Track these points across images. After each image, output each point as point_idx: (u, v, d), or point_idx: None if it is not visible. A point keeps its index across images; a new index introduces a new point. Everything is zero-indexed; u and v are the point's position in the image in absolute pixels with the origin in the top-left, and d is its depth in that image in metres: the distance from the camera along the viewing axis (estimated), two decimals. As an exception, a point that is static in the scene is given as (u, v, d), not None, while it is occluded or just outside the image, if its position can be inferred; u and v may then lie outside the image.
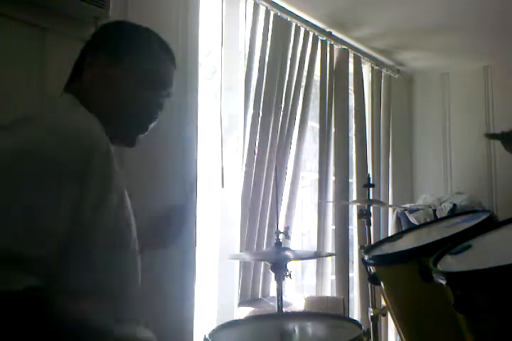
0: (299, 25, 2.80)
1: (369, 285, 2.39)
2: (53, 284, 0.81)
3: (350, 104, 3.32)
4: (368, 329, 1.49)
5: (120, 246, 0.96)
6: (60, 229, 0.82)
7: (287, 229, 1.88)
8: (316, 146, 3.01)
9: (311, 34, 2.93)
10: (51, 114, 0.95)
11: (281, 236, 1.82)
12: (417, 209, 3.45)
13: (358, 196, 3.30)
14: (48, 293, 0.80)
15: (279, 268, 1.68)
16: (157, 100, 1.08)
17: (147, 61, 1.06)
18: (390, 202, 3.71)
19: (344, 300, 2.64)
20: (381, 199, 3.49)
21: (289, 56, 2.72)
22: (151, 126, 1.10)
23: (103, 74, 1.03)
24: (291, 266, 1.71)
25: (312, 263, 2.97)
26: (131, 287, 1.01)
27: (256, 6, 2.54)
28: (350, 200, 3.17)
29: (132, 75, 1.04)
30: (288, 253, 1.77)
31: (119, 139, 1.07)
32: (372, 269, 1.64)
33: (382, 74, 3.74)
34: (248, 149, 2.45)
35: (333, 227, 3.05)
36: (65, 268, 0.85)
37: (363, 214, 2.46)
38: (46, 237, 0.80)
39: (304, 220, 3.21)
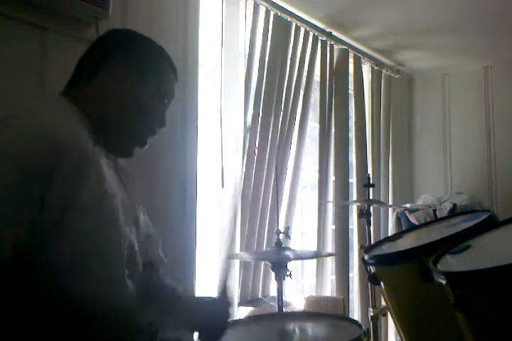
0: (299, 25, 2.80)
1: (369, 285, 2.39)
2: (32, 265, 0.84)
3: (350, 104, 3.32)
4: (368, 329, 1.49)
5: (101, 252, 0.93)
6: (18, 233, 0.81)
7: (287, 228, 1.88)
8: (316, 146, 3.01)
9: (311, 34, 2.93)
10: (31, 114, 0.92)
11: (281, 236, 1.82)
12: (417, 209, 3.45)
13: (358, 196, 3.30)
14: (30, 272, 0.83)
15: (279, 267, 1.69)
16: (163, 115, 1.08)
17: (157, 75, 1.06)
18: (390, 202, 3.71)
19: (344, 300, 2.64)
20: (381, 199, 3.49)
21: (289, 56, 2.72)
22: (148, 140, 1.09)
23: (113, 85, 1.02)
24: (291, 265, 1.71)
25: (312, 263, 2.96)
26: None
27: (256, 6, 2.54)
28: (350, 200, 3.17)
29: (149, 94, 1.04)
30: (288, 253, 1.77)
31: (116, 150, 1.05)
32: (372, 269, 1.64)
33: (382, 74, 3.74)
34: (248, 149, 2.45)
35: (333, 227, 3.05)
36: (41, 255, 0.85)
37: (363, 214, 2.46)
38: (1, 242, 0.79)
39: (303, 220, 3.21)
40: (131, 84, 1.03)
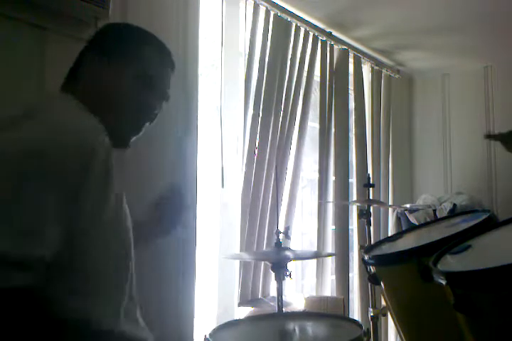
0: (299, 25, 2.80)
1: (369, 285, 2.39)
2: (52, 282, 0.82)
3: (350, 104, 3.32)
4: (368, 329, 1.49)
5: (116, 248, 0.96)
6: (58, 229, 0.82)
7: (287, 229, 1.88)
8: (316, 146, 3.01)
9: (311, 34, 2.92)
10: (52, 113, 0.95)
11: (281, 236, 1.82)
12: (417, 209, 3.45)
13: (358, 196, 3.30)
14: (48, 290, 0.81)
15: (279, 268, 1.68)
16: (152, 101, 1.09)
17: (142, 63, 1.07)
18: (390, 202, 3.71)
19: (344, 300, 2.64)
20: (381, 199, 3.49)
21: (289, 56, 2.72)
22: (146, 126, 1.11)
23: (99, 75, 1.05)
24: (291, 266, 1.71)
25: (312, 263, 2.96)
26: (126, 286, 1.00)
27: (256, 6, 2.54)
28: (350, 200, 3.17)
29: (127, 76, 1.06)
30: (288, 253, 1.77)
31: (112, 140, 1.05)
32: (372, 269, 1.64)
33: (382, 74, 3.74)
34: (248, 149, 2.45)
35: (333, 227, 3.05)
36: (63, 267, 0.85)
37: (363, 214, 2.46)
38: (46, 237, 0.80)
39: (303, 220, 3.21)
40: (103, 68, 1.05)
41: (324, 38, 3.03)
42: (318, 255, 2.60)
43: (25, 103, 1.01)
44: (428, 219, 3.27)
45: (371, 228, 2.54)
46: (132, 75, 1.06)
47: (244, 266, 2.39)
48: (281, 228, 1.85)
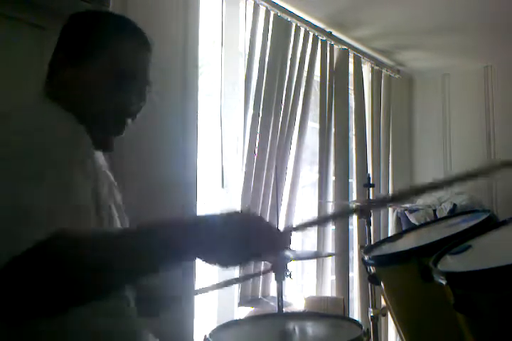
0: (299, 25, 2.80)
1: (369, 285, 2.39)
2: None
3: (350, 104, 3.32)
4: (368, 329, 1.49)
5: None
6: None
7: (287, 229, 1.88)
8: (316, 146, 3.01)
9: (311, 34, 2.92)
10: (19, 114, 0.89)
11: (281, 236, 1.81)
12: (417, 209, 3.44)
13: (358, 196, 3.30)
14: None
15: (279, 268, 1.68)
16: (132, 96, 0.99)
17: (117, 55, 0.97)
18: (390, 202, 3.71)
19: (344, 300, 2.64)
20: (381, 200, 3.49)
21: (289, 56, 2.72)
22: (129, 122, 1.02)
23: (70, 73, 0.98)
24: (291, 266, 1.71)
25: (312, 264, 2.96)
26: None
27: (256, 6, 2.54)
28: (350, 200, 3.17)
29: (97, 70, 0.96)
30: (288, 253, 1.77)
31: (95, 142, 0.98)
32: (372, 269, 1.63)
33: (382, 74, 3.74)
34: (248, 149, 2.45)
35: (333, 227, 3.05)
36: None
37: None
38: None
39: (304, 220, 3.20)
40: (72, 68, 0.97)
41: (324, 38, 3.03)
42: (318, 255, 2.60)
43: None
44: (428, 219, 3.27)
45: (371, 228, 2.54)
46: (104, 72, 0.96)
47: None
48: (281, 228, 1.85)
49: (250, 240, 0.76)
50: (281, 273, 1.68)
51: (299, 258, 2.12)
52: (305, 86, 2.86)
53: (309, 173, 3.19)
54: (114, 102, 0.97)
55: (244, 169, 2.43)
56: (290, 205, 2.70)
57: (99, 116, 0.97)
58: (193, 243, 0.75)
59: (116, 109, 0.98)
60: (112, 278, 0.74)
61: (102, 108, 0.97)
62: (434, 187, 0.99)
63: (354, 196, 3.33)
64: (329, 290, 2.98)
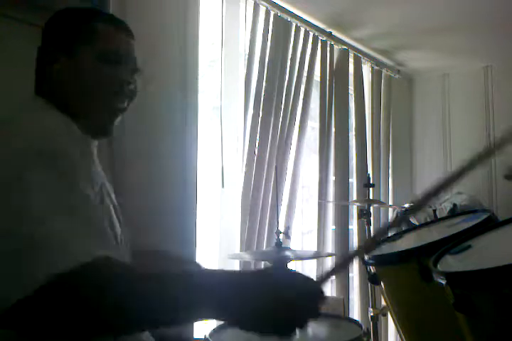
0: (299, 25, 2.80)
1: (369, 285, 2.39)
2: None
3: (350, 104, 3.32)
4: (368, 329, 1.49)
5: None
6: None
7: (287, 229, 1.88)
8: (316, 146, 3.01)
9: (311, 34, 2.92)
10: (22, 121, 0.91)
11: (281, 236, 1.82)
12: (417, 209, 3.44)
13: (358, 196, 3.30)
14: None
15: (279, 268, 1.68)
16: (124, 77, 1.03)
17: (99, 41, 1.01)
18: (390, 202, 3.71)
19: (344, 300, 2.64)
20: (381, 199, 3.49)
21: (289, 56, 2.72)
22: (128, 105, 1.06)
23: (60, 70, 1.00)
24: (291, 266, 1.71)
25: (312, 263, 2.96)
26: None
27: (256, 6, 2.54)
28: (350, 200, 3.17)
29: (88, 62, 1.00)
30: (288, 253, 1.77)
31: (94, 130, 1.03)
32: (372, 269, 1.64)
33: (382, 74, 3.74)
34: (248, 149, 2.45)
35: (333, 227, 3.05)
36: None
37: (363, 214, 2.46)
38: None
39: (303, 220, 3.20)
40: (71, 64, 1.00)
41: (324, 38, 3.03)
42: (318, 255, 2.60)
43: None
44: (428, 219, 3.27)
45: (371, 228, 2.54)
46: (93, 59, 1.00)
47: (244, 266, 2.39)
48: (281, 228, 1.85)
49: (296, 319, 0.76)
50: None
51: (299, 258, 2.12)
52: (305, 86, 2.86)
53: (309, 173, 3.19)
54: (113, 87, 1.02)
55: (244, 169, 2.43)
56: (290, 205, 2.70)
57: (96, 103, 1.01)
58: (239, 309, 0.73)
59: (116, 94, 1.02)
60: (141, 320, 0.72)
61: (97, 94, 1.01)
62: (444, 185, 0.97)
63: (354, 196, 3.33)
64: (329, 290, 2.98)
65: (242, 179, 2.43)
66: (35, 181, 0.75)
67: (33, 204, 0.73)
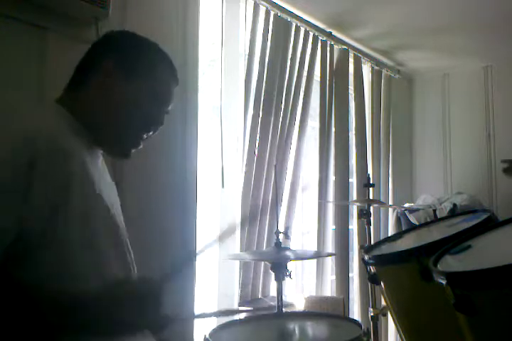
0: (299, 25, 2.80)
1: (369, 285, 2.39)
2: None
3: (350, 104, 3.32)
4: (368, 329, 1.49)
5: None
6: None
7: (287, 229, 1.88)
8: (316, 146, 3.01)
9: (311, 34, 2.92)
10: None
11: (281, 236, 1.82)
12: (417, 209, 3.45)
13: (358, 196, 3.30)
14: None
15: (279, 268, 1.69)
16: (158, 117, 1.07)
17: (156, 80, 1.06)
18: (390, 202, 3.71)
19: (344, 300, 2.64)
20: (381, 199, 3.49)
21: (289, 56, 2.72)
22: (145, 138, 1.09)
23: (111, 87, 1.02)
24: (291, 266, 1.71)
25: (312, 263, 2.96)
26: None
27: (256, 6, 2.54)
28: (350, 200, 3.17)
29: (141, 92, 1.03)
30: (288, 253, 1.77)
31: (114, 152, 1.07)
32: (372, 269, 1.64)
33: (383, 74, 3.74)
34: (248, 149, 2.45)
35: (333, 227, 3.05)
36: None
37: (363, 214, 2.46)
38: None
39: (303, 220, 3.21)
40: (120, 82, 1.02)
41: (324, 38, 3.03)
42: (318, 255, 2.60)
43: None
44: (428, 219, 3.27)
45: (371, 228, 2.54)
46: (146, 91, 1.04)
47: (244, 266, 2.39)
48: (281, 228, 1.85)
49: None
50: (281, 273, 1.68)
51: (299, 258, 2.12)
52: (305, 86, 2.86)
53: (309, 173, 3.19)
54: (150, 121, 1.06)
55: (244, 169, 2.43)
56: (290, 205, 2.70)
57: (130, 132, 1.04)
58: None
59: (149, 127, 1.06)
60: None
61: (132, 128, 1.04)
62: None
63: (354, 196, 3.33)
64: (329, 290, 2.98)
65: (242, 179, 2.43)
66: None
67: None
